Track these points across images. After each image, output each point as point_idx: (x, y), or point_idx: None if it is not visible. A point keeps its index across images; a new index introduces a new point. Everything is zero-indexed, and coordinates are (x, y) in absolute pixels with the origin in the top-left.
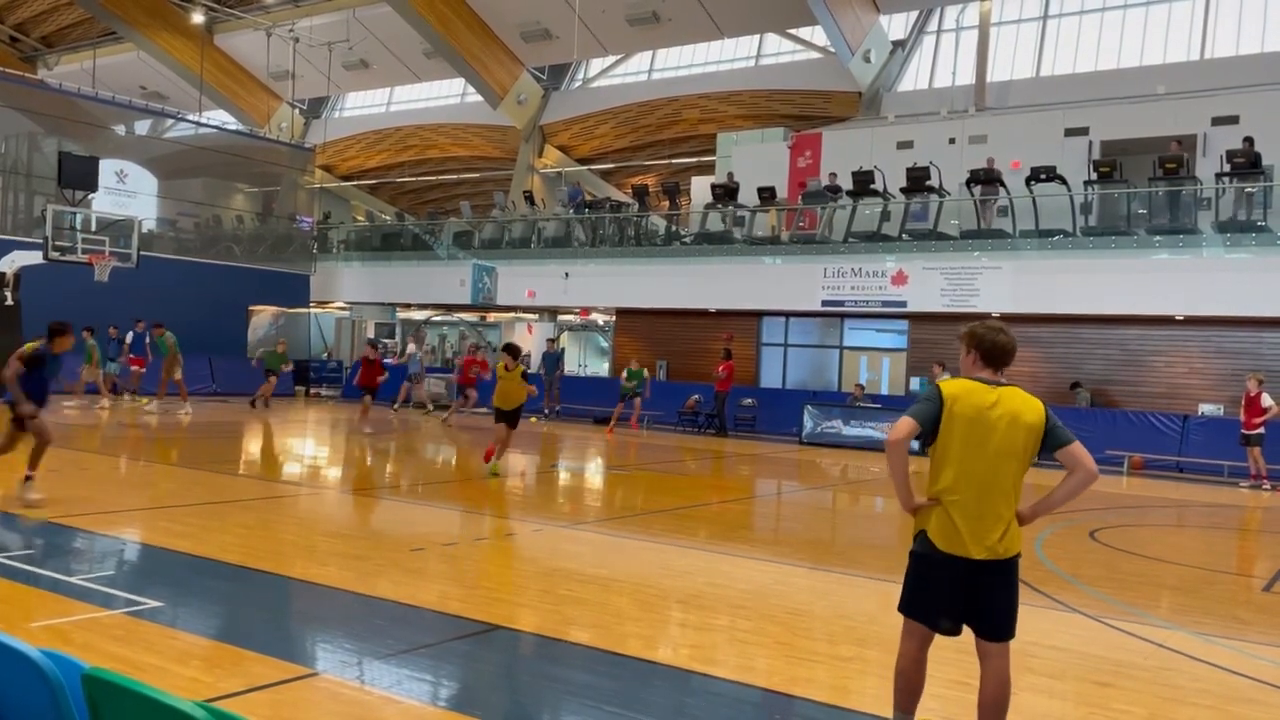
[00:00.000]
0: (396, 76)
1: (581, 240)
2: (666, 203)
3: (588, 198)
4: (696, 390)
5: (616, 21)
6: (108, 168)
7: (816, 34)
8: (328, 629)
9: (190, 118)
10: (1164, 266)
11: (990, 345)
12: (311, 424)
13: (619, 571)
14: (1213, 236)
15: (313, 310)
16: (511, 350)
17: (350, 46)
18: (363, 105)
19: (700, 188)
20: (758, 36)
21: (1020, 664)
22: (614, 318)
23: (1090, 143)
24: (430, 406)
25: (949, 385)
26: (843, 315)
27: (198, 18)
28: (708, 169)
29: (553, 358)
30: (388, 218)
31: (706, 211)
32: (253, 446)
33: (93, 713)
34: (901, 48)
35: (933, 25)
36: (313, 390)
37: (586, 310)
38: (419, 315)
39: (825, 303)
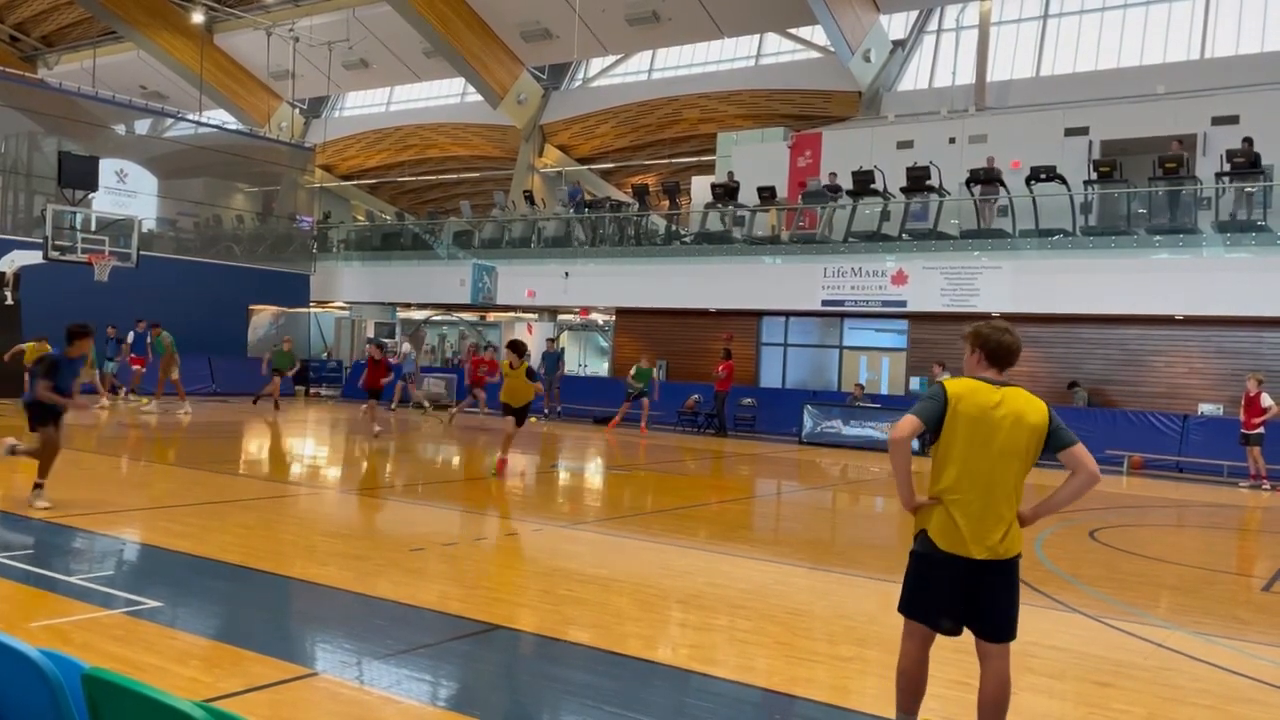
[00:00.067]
0: (396, 76)
1: (581, 240)
2: (666, 202)
3: (587, 197)
4: (696, 390)
5: (616, 21)
6: (108, 167)
7: (816, 34)
8: (327, 629)
9: (190, 117)
10: (1164, 266)
11: (995, 345)
12: (311, 424)
13: (619, 571)
14: (1213, 236)
15: (312, 310)
16: (516, 348)
17: (350, 46)
18: (362, 105)
19: (700, 187)
20: (758, 36)
21: (1020, 664)
22: (614, 317)
23: (1090, 142)
24: (427, 406)
25: (953, 384)
26: (842, 315)
27: (198, 17)
28: (708, 169)
29: (553, 357)
30: (388, 217)
31: (706, 211)
32: (252, 446)
33: (92, 713)
34: (901, 47)
35: (933, 25)
36: (312, 390)
37: (586, 310)
38: (419, 315)
39: (825, 302)
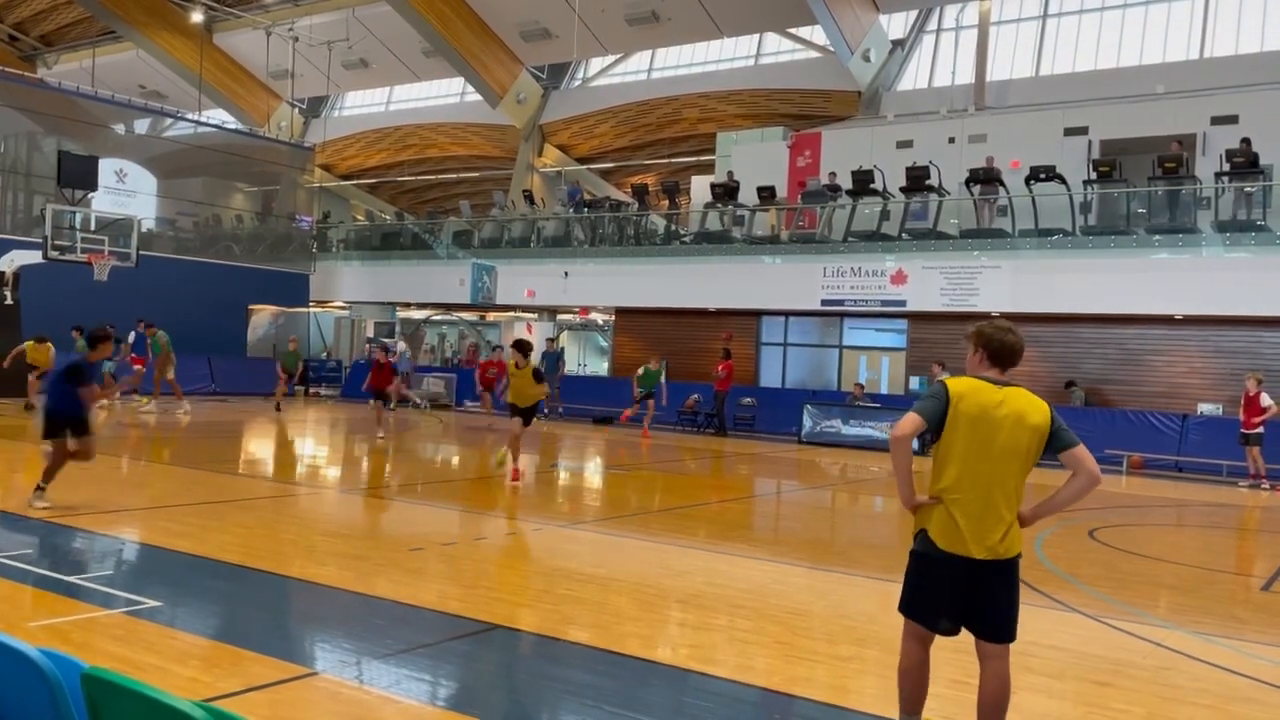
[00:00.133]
0: (396, 76)
1: (581, 239)
2: (666, 202)
3: (587, 197)
4: (696, 390)
5: (616, 21)
6: (107, 167)
7: (816, 33)
8: (327, 629)
9: (190, 117)
10: (1163, 266)
11: (999, 345)
12: (311, 424)
13: (618, 571)
14: (1212, 236)
15: (312, 310)
16: (521, 347)
17: (350, 46)
18: (362, 104)
19: (700, 187)
20: (757, 36)
21: (1019, 663)
22: (613, 317)
23: (1090, 142)
24: (424, 405)
25: (955, 383)
26: (842, 315)
27: (197, 17)
28: (707, 168)
29: (553, 357)
30: (387, 217)
31: (706, 211)
32: (252, 446)
33: (92, 712)
34: (901, 47)
35: (932, 24)
36: (312, 390)
37: (586, 309)
38: (419, 315)
39: (825, 302)
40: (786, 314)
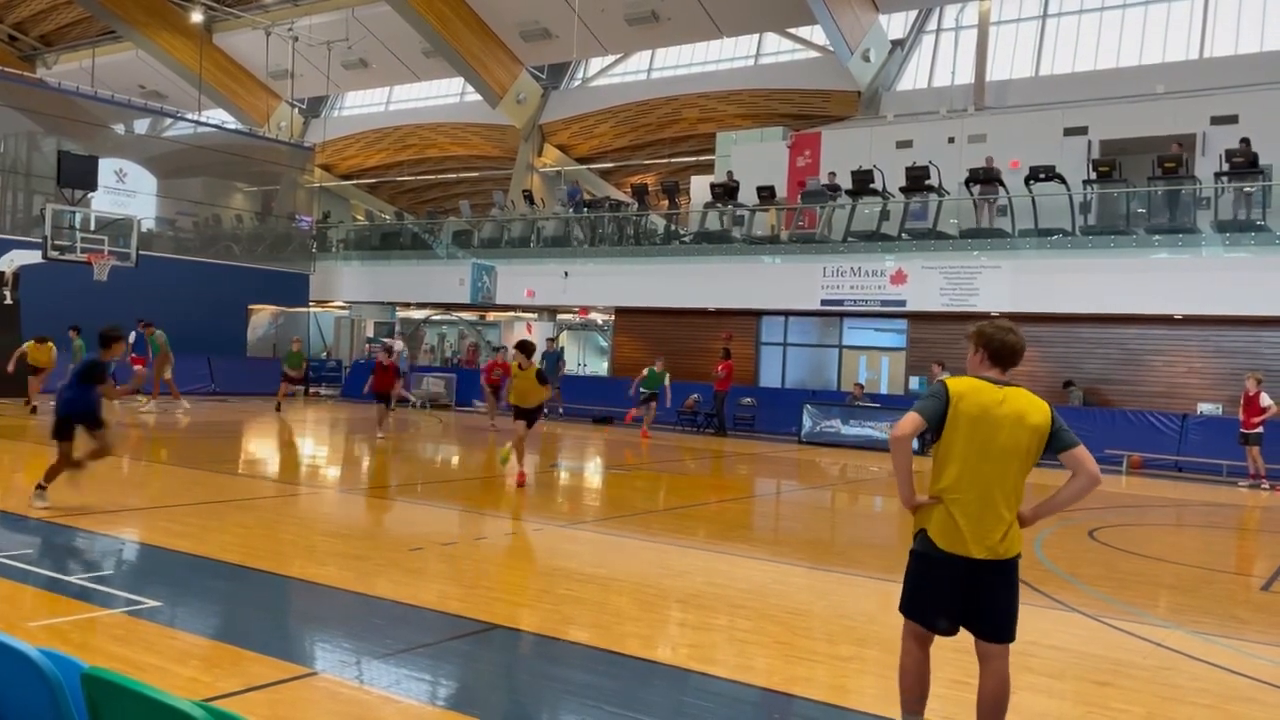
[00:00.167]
0: (396, 76)
1: (580, 239)
2: (666, 202)
3: (587, 197)
4: (695, 390)
5: (616, 21)
6: (107, 167)
7: (816, 33)
8: (326, 628)
9: (189, 117)
10: (1163, 266)
11: (999, 345)
12: (311, 424)
13: (618, 571)
14: (1212, 236)
15: (312, 310)
16: (524, 348)
17: (349, 46)
18: (362, 104)
19: (699, 187)
20: (757, 36)
21: (1019, 663)
22: (613, 317)
23: (1089, 142)
24: (420, 404)
25: (955, 383)
26: (842, 314)
27: (197, 17)
28: (707, 168)
29: (553, 357)
30: (387, 217)
31: (706, 211)
32: (252, 446)
33: (92, 712)
34: (900, 47)
35: (932, 24)
36: (311, 390)
37: (586, 309)
38: (418, 314)
39: (824, 302)
40: (786, 314)
